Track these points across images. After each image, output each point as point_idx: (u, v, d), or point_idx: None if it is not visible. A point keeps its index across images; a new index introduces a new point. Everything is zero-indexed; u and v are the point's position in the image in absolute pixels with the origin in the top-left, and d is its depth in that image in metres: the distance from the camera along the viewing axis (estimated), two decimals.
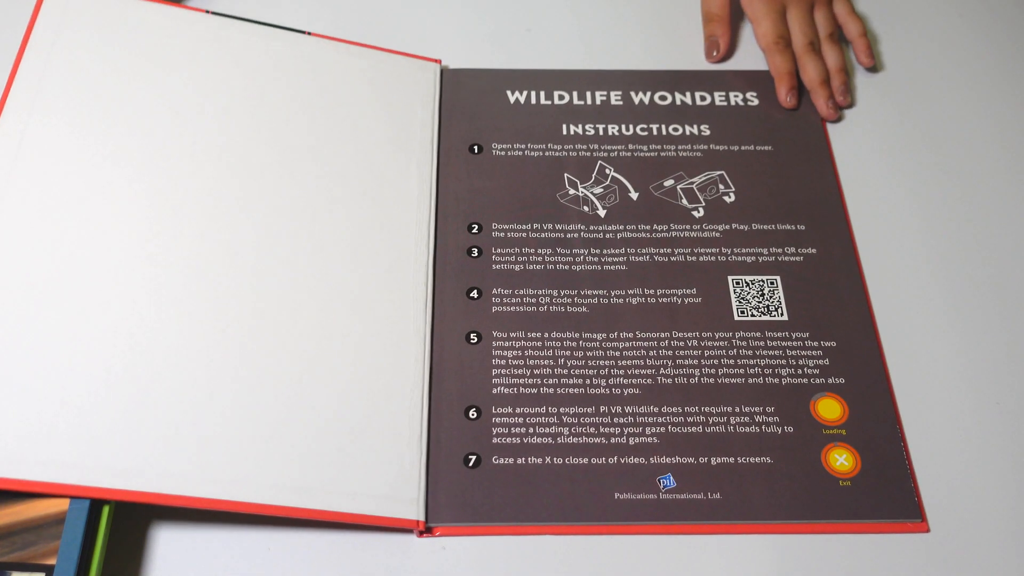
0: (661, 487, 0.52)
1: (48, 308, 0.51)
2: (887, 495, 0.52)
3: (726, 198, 0.63)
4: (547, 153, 0.64)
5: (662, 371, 0.56)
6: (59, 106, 0.56)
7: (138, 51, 0.59)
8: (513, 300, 0.58)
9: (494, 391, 0.55)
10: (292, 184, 0.58)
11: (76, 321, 0.51)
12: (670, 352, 0.56)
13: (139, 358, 0.51)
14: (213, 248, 0.55)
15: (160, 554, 0.50)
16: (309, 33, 0.64)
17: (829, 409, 0.55)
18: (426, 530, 0.51)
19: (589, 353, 0.56)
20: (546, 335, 0.57)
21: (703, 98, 0.67)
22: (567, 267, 0.59)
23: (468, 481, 0.52)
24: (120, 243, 0.54)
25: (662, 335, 0.57)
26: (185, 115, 0.58)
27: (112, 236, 0.54)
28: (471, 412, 0.54)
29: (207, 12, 0.62)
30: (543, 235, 0.61)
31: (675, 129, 0.66)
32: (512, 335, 0.57)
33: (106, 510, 0.48)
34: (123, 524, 0.50)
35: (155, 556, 0.50)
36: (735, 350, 0.57)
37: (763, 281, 0.59)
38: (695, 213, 0.62)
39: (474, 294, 0.58)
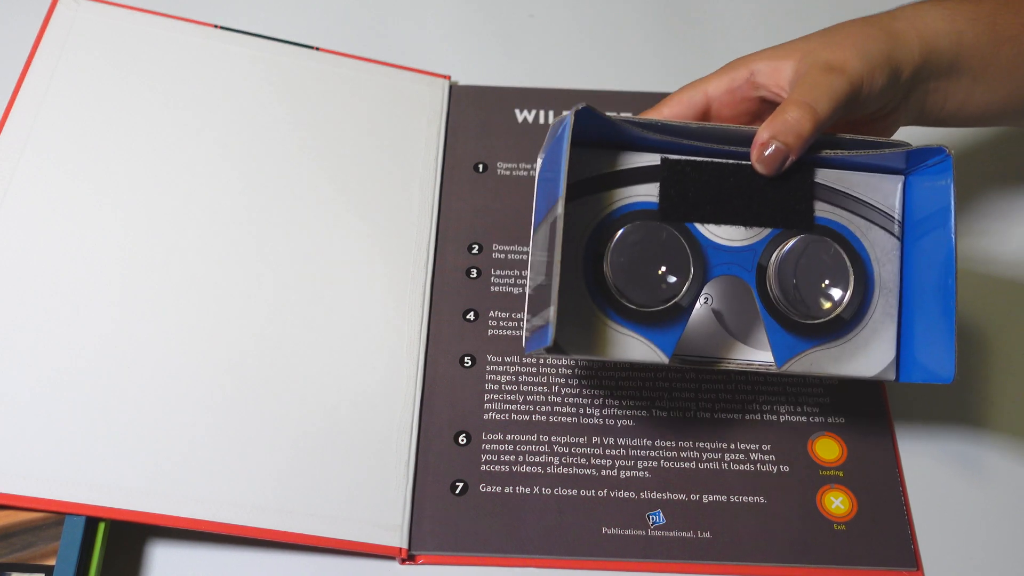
0: (650, 523, 0.51)
1: (37, 320, 0.51)
2: (883, 541, 0.51)
3: None
4: None
5: (657, 403, 0.55)
6: (63, 118, 0.56)
7: (145, 64, 0.59)
8: (510, 323, 0.57)
9: (485, 416, 0.54)
10: (292, 199, 0.58)
11: (64, 334, 0.51)
12: (667, 384, 0.55)
13: (129, 374, 0.51)
14: (208, 262, 0.55)
15: (159, 555, 0.50)
16: (317, 48, 0.63)
17: (827, 449, 0.53)
18: (409, 558, 0.50)
19: (584, 381, 0.55)
20: (540, 360, 0.56)
21: None
22: None
23: (454, 509, 0.51)
24: (115, 256, 0.54)
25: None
26: (189, 128, 0.58)
27: (107, 249, 0.54)
28: (460, 437, 0.53)
29: (215, 27, 0.62)
30: None
31: None
32: (507, 359, 0.56)
33: None
34: (123, 525, 0.50)
35: (154, 556, 0.50)
36: (734, 384, 0.55)
37: None
38: None
39: (471, 316, 0.57)
